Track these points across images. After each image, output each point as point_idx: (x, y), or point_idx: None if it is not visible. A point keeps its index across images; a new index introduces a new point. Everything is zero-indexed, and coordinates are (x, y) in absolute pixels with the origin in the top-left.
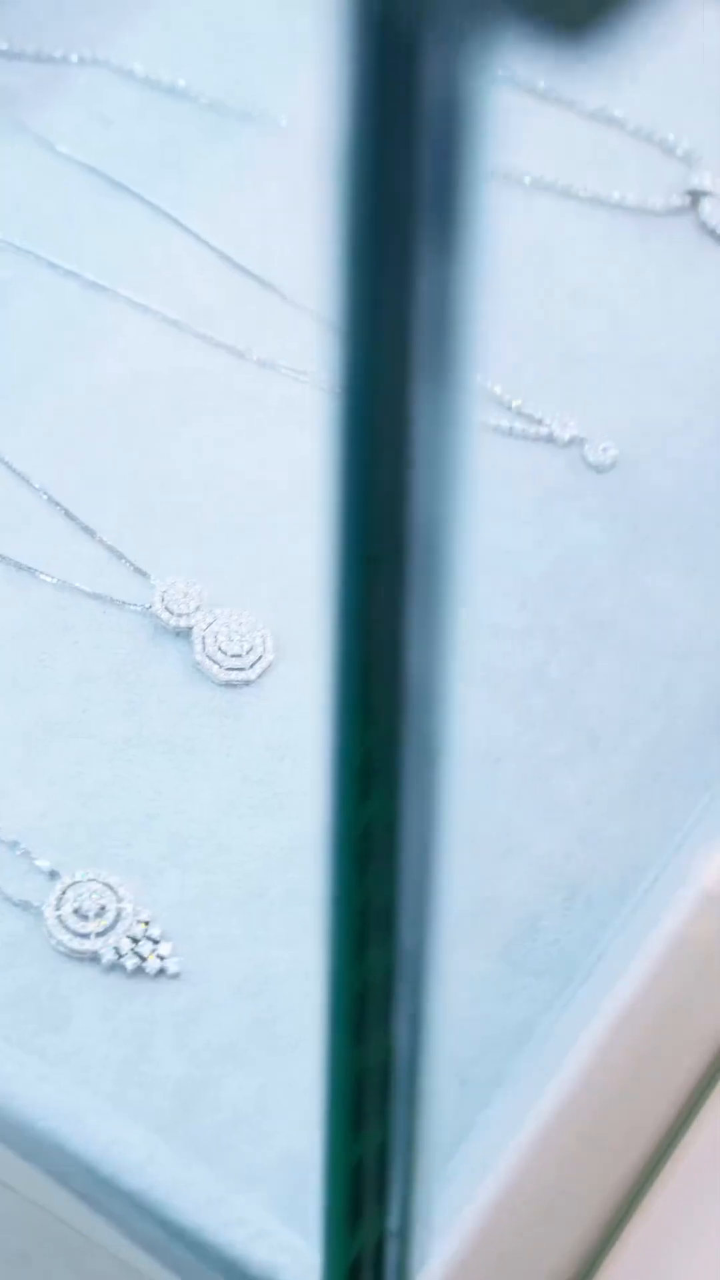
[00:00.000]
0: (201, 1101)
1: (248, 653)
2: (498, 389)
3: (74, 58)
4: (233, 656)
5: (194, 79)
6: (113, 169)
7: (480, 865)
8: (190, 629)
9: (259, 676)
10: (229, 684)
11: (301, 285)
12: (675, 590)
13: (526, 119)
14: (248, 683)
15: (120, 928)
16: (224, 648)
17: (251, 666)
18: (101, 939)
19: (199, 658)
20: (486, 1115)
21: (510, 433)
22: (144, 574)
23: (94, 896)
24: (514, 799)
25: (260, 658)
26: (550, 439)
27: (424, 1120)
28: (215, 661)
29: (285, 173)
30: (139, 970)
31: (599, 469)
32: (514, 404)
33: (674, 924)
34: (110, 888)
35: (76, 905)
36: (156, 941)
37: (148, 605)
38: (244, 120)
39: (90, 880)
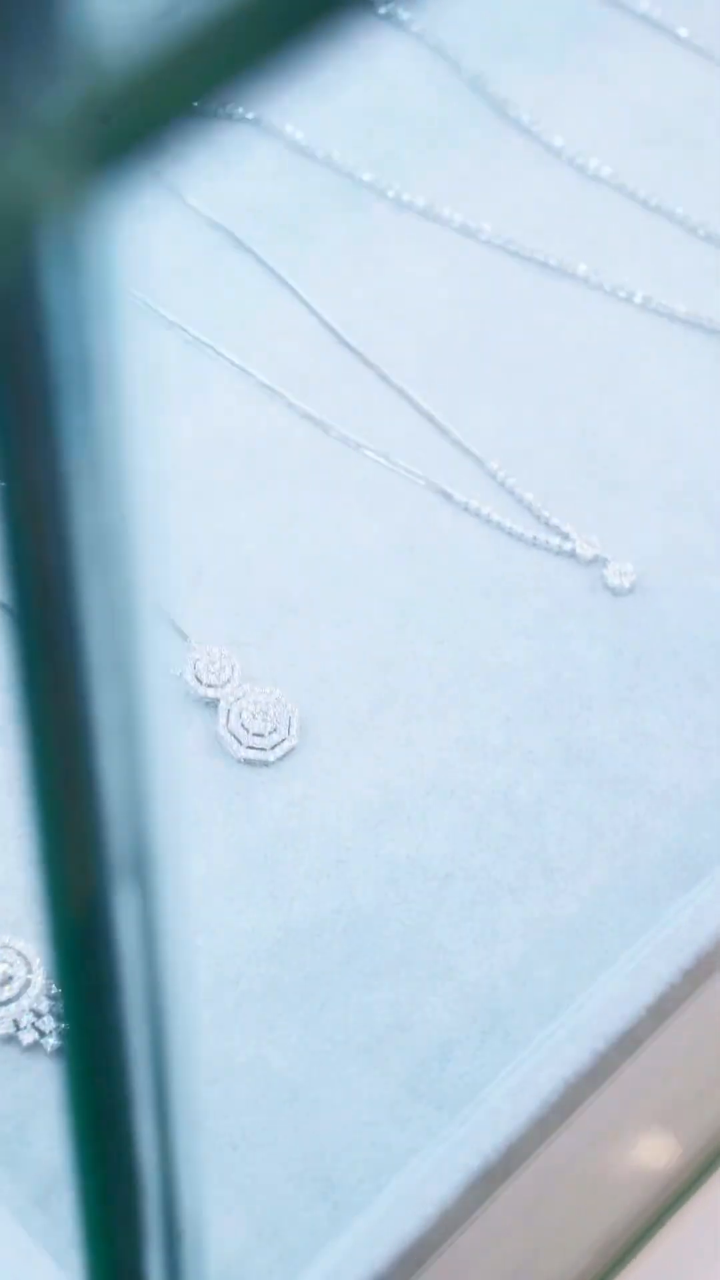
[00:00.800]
0: (63, 1190)
1: (270, 733)
2: (529, 496)
3: (227, 112)
4: (254, 735)
5: (338, 149)
6: (238, 226)
7: (404, 985)
8: (218, 700)
9: (278, 759)
10: (247, 762)
11: (402, 368)
12: (665, 731)
13: (623, 229)
14: (266, 764)
15: (25, 1000)
16: (247, 725)
17: (273, 748)
18: (4, 1009)
19: (221, 731)
20: (335, 1244)
21: (534, 543)
22: (185, 636)
23: (3, 965)
24: (454, 921)
25: (283, 740)
26: (572, 555)
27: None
28: (236, 737)
29: (408, 253)
30: (35, 1045)
31: (616, 592)
32: (543, 514)
33: (567, 1073)
34: (24, 957)
35: None
36: (60, 1018)
37: (179, 672)
38: (378, 197)
39: (5, 947)
